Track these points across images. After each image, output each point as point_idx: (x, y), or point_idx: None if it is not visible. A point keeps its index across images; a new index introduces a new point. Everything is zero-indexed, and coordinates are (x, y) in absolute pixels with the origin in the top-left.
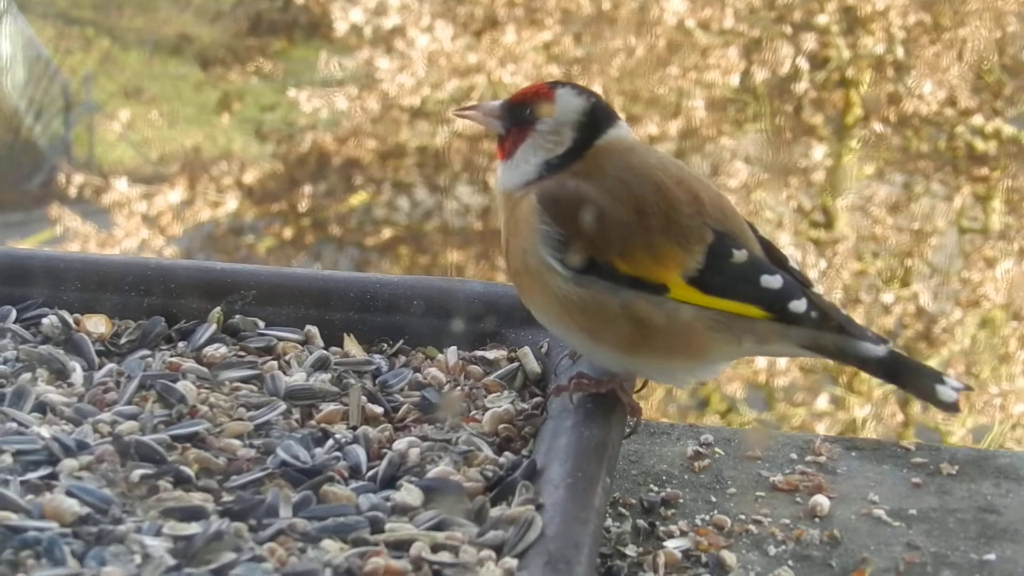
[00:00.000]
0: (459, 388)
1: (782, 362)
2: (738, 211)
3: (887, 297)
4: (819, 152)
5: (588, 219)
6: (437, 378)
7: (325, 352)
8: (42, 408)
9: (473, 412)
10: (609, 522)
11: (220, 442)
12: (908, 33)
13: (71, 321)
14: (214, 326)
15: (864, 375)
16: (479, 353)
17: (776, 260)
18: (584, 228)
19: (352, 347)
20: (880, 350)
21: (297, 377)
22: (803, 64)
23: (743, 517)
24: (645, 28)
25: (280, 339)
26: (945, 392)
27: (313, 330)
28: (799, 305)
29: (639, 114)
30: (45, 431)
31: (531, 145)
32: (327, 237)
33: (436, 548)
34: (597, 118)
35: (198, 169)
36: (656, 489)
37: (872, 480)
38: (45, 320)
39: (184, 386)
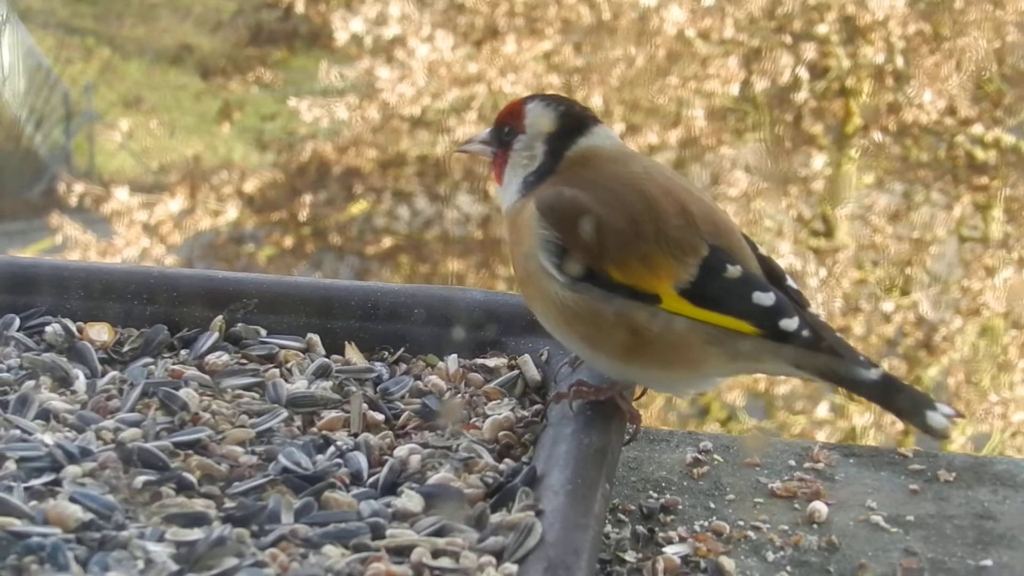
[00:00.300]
0: (460, 395)
1: None
2: (735, 225)
3: (887, 306)
4: (819, 161)
5: (584, 226)
6: (438, 385)
7: (327, 360)
8: (45, 415)
9: (473, 419)
10: (609, 528)
11: (222, 449)
12: (908, 43)
13: (74, 329)
14: (216, 334)
15: None
16: (479, 361)
17: (774, 277)
18: (580, 235)
19: (353, 355)
20: (872, 374)
21: (299, 385)
22: (803, 74)
23: (742, 523)
24: (645, 38)
25: (282, 347)
26: (936, 419)
27: (315, 338)
28: (790, 323)
29: (639, 123)
30: (48, 438)
31: (512, 164)
32: (327, 246)
33: (437, 554)
34: (569, 127)
35: (198, 178)
36: (655, 495)
37: (870, 487)
38: (49, 328)
39: (186, 393)
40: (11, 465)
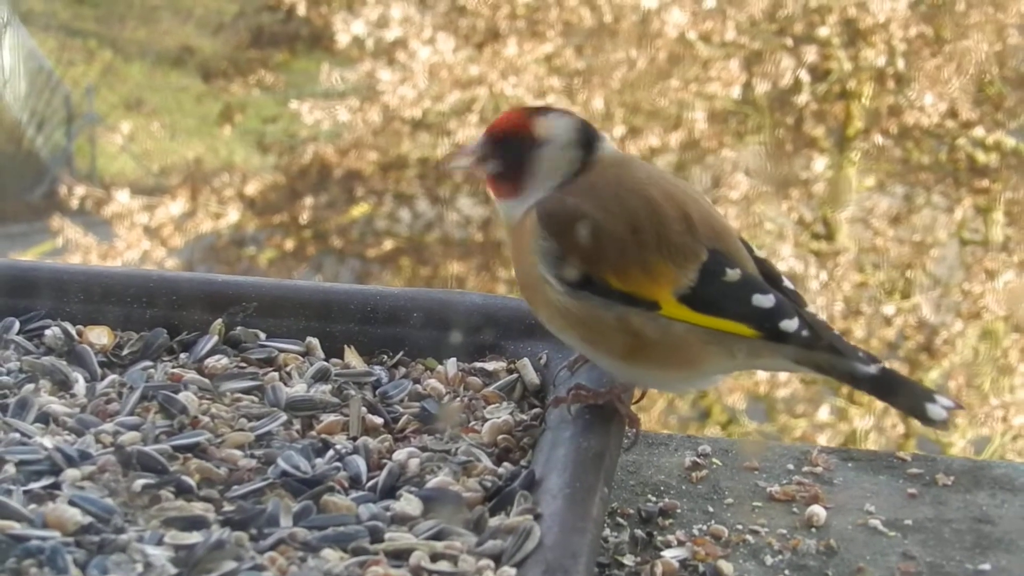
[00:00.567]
0: (458, 399)
1: (783, 374)
2: (731, 227)
3: (888, 309)
4: (820, 164)
5: (584, 235)
6: (437, 389)
7: (326, 363)
8: (45, 419)
9: (472, 423)
10: (607, 532)
11: (221, 452)
12: (909, 45)
13: (74, 333)
14: (216, 338)
15: None
16: (478, 365)
17: (771, 278)
18: (580, 244)
19: (352, 359)
20: (872, 369)
21: (298, 388)
22: (804, 76)
23: (740, 527)
24: (646, 40)
25: (281, 351)
26: (935, 410)
27: (314, 342)
28: (790, 324)
29: (640, 126)
30: (48, 441)
31: (542, 173)
32: (328, 249)
33: (435, 557)
34: (589, 133)
35: (199, 181)
36: (654, 499)
37: (868, 490)
38: (48, 332)
39: (186, 397)
40: (10, 468)
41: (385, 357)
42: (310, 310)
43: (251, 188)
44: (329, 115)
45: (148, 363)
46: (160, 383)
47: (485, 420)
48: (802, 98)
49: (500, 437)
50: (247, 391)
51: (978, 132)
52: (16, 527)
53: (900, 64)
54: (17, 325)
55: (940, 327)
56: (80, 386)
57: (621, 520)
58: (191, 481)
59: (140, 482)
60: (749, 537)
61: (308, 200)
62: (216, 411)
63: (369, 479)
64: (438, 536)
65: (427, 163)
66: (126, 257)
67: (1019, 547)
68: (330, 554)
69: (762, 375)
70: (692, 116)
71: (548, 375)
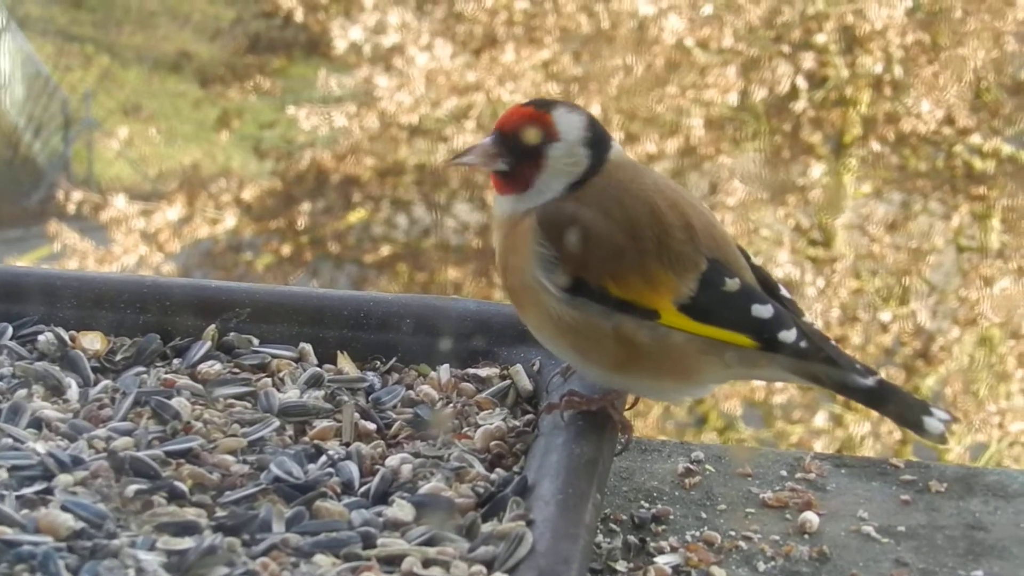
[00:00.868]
0: (451, 405)
1: None
2: (730, 236)
3: (885, 315)
4: (817, 171)
5: (583, 242)
6: (430, 395)
7: (319, 369)
8: (38, 424)
9: (465, 429)
10: (600, 538)
11: (214, 458)
12: (906, 52)
13: (67, 338)
14: (209, 343)
15: None
16: (471, 371)
17: (768, 287)
18: (579, 251)
19: (345, 364)
20: (869, 381)
21: (291, 394)
22: (801, 83)
23: (733, 533)
24: (643, 47)
25: (274, 356)
26: (932, 424)
27: (307, 348)
28: (788, 335)
29: (637, 132)
30: (40, 447)
31: (550, 171)
32: (325, 254)
33: (427, 563)
34: (599, 131)
35: (196, 186)
36: (647, 505)
37: (861, 497)
38: (41, 337)
39: (179, 402)
40: (3, 473)
41: (378, 363)
42: (303, 316)
43: (248, 194)
44: (326, 121)
45: (141, 369)
46: (153, 389)
47: (478, 426)
48: (799, 105)
49: (493, 443)
50: (240, 397)
51: (975, 139)
52: (8, 532)
53: (897, 71)
54: (10, 331)
55: (936, 334)
56: (73, 391)
57: (614, 526)
58: (183, 487)
59: (133, 487)
60: (742, 543)
61: (305, 206)
62: (209, 417)
63: (362, 485)
64: (430, 542)
65: (424, 169)
66: (123, 262)
67: (1012, 554)
68: (322, 560)
69: (758, 381)
70: (689, 123)
71: (541, 381)
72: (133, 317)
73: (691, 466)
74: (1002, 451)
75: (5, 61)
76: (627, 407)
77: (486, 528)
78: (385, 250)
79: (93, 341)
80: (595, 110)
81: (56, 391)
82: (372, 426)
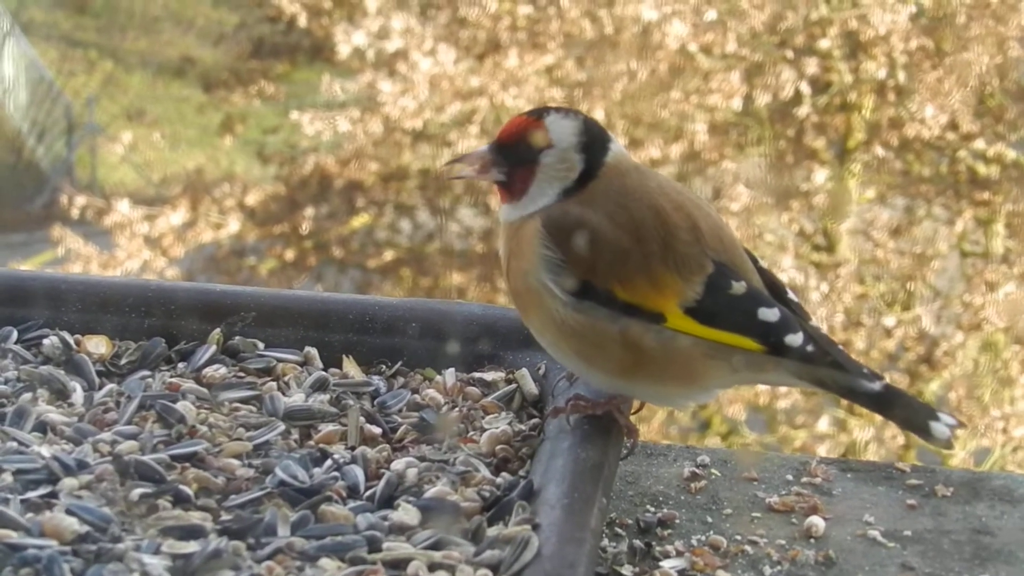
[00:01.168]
0: (457, 409)
1: None
2: (737, 239)
3: (889, 320)
4: (821, 176)
5: (588, 245)
6: (435, 399)
7: (324, 373)
8: (42, 428)
9: (471, 433)
10: (605, 542)
11: (219, 462)
12: (910, 58)
13: (72, 342)
14: (214, 347)
15: None
16: (477, 375)
17: (775, 290)
18: (585, 254)
19: (351, 368)
20: (875, 386)
21: (296, 398)
22: (805, 88)
23: (739, 538)
24: (647, 52)
25: (279, 360)
26: (939, 429)
27: (312, 351)
28: (795, 339)
29: (641, 137)
30: (45, 450)
31: (544, 178)
32: (329, 259)
33: (433, 567)
34: (595, 135)
35: (200, 191)
36: (652, 510)
37: (867, 501)
38: (46, 341)
39: (184, 406)
40: (8, 477)
41: (383, 367)
42: (308, 320)
43: (252, 198)
44: (330, 126)
45: (146, 372)
46: (158, 392)
47: (483, 430)
48: (803, 110)
49: (498, 447)
50: (245, 401)
51: (979, 144)
52: (13, 536)
53: (901, 76)
54: (15, 334)
55: (941, 339)
56: (78, 395)
57: (620, 530)
58: (189, 490)
59: (138, 491)
60: (748, 548)
61: (309, 210)
62: (214, 420)
63: (367, 489)
64: (436, 546)
65: (428, 174)
66: (126, 267)
67: (1018, 558)
68: (328, 563)
69: (762, 385)
70: (693, 128)
71: (547, 385)
72: (138, 321)
73: (697, 470)
74: (1006, 456)
75: (9, 66)
76: (633, 412)
77: (492, 532)
78: (389, 255)
79: (98, 345)
80: (599, 115)
81: (61, 395)
82: (377, 430)
